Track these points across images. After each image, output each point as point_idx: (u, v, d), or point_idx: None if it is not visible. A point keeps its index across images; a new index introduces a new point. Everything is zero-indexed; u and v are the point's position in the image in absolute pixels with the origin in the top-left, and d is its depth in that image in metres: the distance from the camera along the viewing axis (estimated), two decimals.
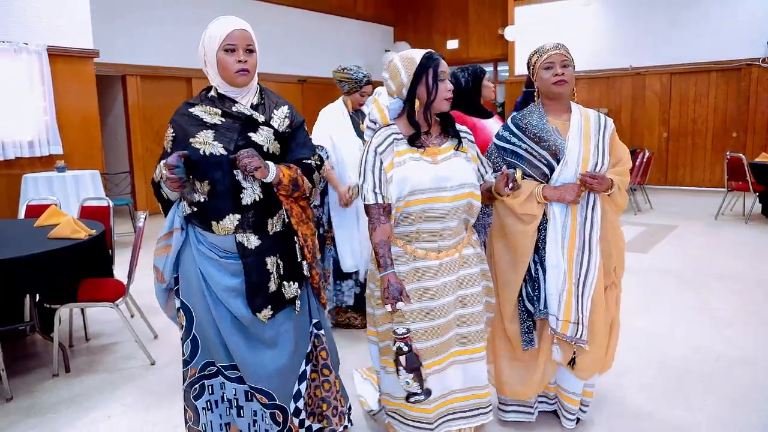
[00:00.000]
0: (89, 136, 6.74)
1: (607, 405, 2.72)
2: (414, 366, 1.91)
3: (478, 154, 2.25)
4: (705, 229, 6.88)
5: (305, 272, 2.13)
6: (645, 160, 8.34)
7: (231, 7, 9.11)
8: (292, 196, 2.06)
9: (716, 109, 10.03)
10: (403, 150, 2.08)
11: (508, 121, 2.39)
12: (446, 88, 2.08)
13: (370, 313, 2.24)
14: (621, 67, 10.64)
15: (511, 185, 2.07)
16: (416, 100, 2.07)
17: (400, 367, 1.91)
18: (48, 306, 3.20)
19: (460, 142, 2.16)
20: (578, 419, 2.53)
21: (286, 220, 2.09)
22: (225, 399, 2.14)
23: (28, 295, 3.39)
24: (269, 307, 2.03)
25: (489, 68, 12.85)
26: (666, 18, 10.05)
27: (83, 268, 3.22)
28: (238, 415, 2.15)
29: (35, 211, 4.27)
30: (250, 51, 1.99)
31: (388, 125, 2.15)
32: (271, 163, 1.97)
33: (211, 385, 2.13)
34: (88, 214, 4.09)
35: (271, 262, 2.04)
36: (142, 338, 3.51)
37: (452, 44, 13.08)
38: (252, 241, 2.01)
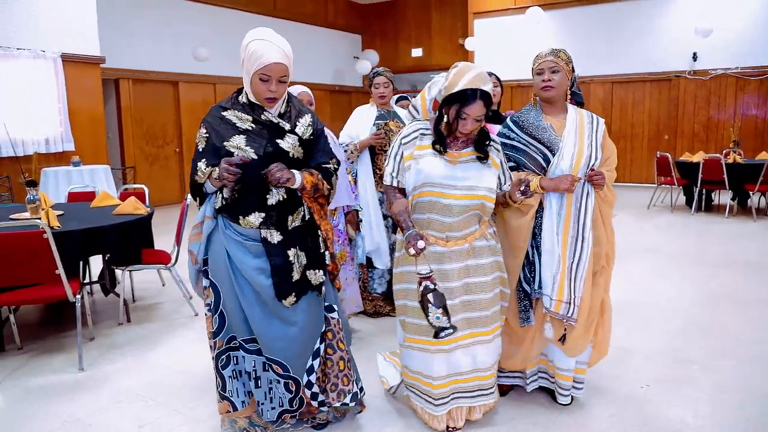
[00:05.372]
0: (96, 134, 7.43)
1: None
2: (441, 303, 2.02)
3: (501, 163, 2.34)
4: (638, 217, 8.06)
5: (327, 261, 2.36)
6: None
7: (211, 17, 9.91)
8: (313, 197, 2.28)
9: (650, 115, 11.37)
10: (427, 145, 2.27)
11: (508, 119, 2.56)
12: (464, 126, 2.18)
13: (395, 290, 2.42)
14: None
15: (523, 188, 2.13)
16: (444, 114, 2.22)
17: (430, 305, 2.01)
18: (114, 268, 3.98)
19: (486, 155, 2.27)
20: (572, 397, 2.67)
21: (307, 217, 2.28)
22: (245, 372, 2.32)
23: (101, 258, 4.15)
24: (293, 294, 2.22)
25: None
26: (608, 34, 11.31)
27: (140, 238, 4.00)
28: (256, 386, 2.31)
29: (76, 197, 5.02)
30: (283, 81, 2.13)
31: (426, 120, 2.34)
32: (296, 172, 2.15)
33: (236, 357, 2.32)
34: (125, 198, 4.84)
35: (292, 253, 2.22)
36: (180, 299, 4.32)
37: (416, 52, 14.08)
38: (275, 236, 2.20)
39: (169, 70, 9.79)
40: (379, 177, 3.76)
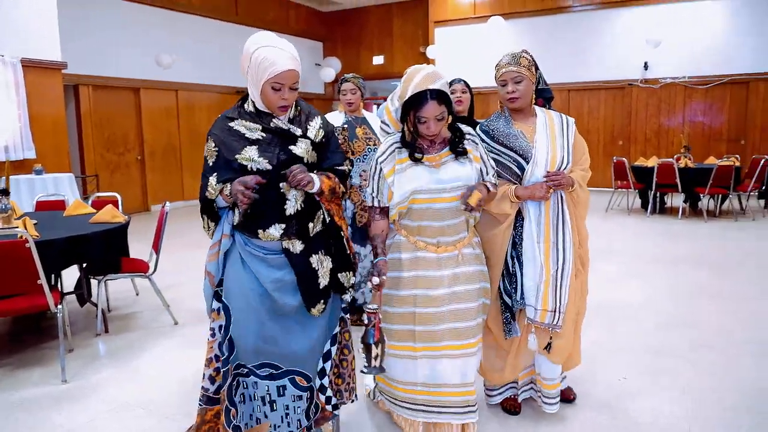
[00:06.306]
0: (58, 141, 7.23)
1: None
2: (366, 341, 2.01)
3: (482, 156, 2.31)
4: (598, 220, 8.36)
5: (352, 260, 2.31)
6: None
7: (173, 23, 9.78)
8: (329, 200, 2.21)
9: (605, 122, 11.83)
10: (405, 158, 2.23)
11: (477, 128, 2.49)
12: (427, 128, 2.15)
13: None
14: None
15: (464, 198, 2.15)
16: (407, 124, 2.21)
17: (373, 344, 2.01)
18: (92, 277, 3.91)
19: (464, 151, 2.24)
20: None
21: (327, 220, 2.20)
22: (257, 397, 2.21)
23: (78, 268, 4.06)
24: (322, 301, 2.17)
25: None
26: (565, 43, 11.71)
27: (119, 246, 3.94)
28: (271, 409, 2.21)
29: (45, 205, 4.90)
30: (294, 88, 2.05)
31: (399, 132, 2.30)
32: (315, 176, 2.07)
33: (245, 382, 2.21)
34: (97, 206, 4.75)
35: (314, 259, 2.15)
36: (157, 308, 4.27)
37: (378, 60, 14.21)
38: (297, 246, 2.13)
39: (130, 77, 9.60)
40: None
